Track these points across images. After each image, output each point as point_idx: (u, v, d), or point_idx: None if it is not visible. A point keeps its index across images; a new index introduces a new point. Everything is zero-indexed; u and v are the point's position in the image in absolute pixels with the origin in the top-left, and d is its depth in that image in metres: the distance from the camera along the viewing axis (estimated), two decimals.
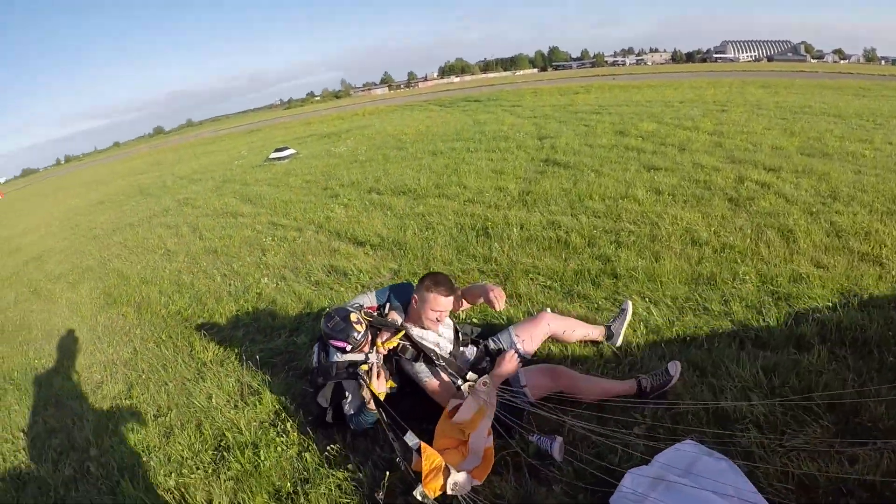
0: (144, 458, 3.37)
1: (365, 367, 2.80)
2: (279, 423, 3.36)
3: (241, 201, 10.87)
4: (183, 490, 2.96)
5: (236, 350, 4.48)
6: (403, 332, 2.88)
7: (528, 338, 3.10)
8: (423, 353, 2.81)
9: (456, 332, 3.10)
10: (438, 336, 2.98)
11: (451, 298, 2.86)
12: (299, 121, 35.78)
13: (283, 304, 5.22)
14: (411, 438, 2.42)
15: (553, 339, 3.30)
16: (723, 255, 4.40)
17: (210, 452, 3.28)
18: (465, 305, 3.23)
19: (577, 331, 3.20)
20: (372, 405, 2.73)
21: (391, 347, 2.87)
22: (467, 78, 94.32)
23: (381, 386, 2.79)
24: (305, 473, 2.87)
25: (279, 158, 15.36)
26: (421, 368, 2.84)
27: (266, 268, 6.38)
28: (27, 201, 30.63)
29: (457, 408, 2.55)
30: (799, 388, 2.64)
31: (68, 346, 5.60)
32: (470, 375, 2.77)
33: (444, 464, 2.30)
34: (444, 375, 2.79)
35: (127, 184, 21.68)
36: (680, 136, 9.54)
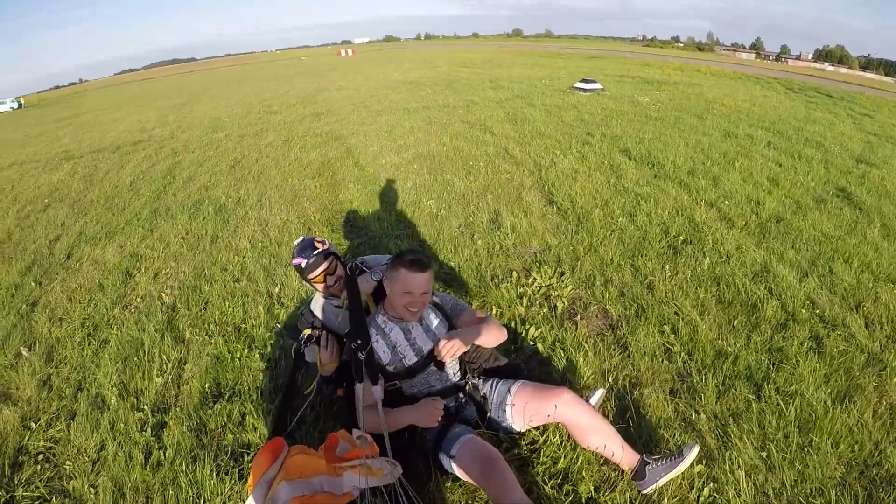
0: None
1: (308, 330, 2.75)
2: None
3: (507, 120, 11.36)
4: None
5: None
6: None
7: (522, 406, 2.53)
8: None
9: (431, 357, 2.61)
10: (405, 338, 2.62)
11: (424, 276, 2.49)
12: (639, 60, 35.04)
13: (419, 232, 5.47)
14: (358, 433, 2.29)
15: (563, 427, 2.62)
16: None
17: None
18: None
19: (599, 438, 2.46)
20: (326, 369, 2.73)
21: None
22: (842, 70, 78.27)
23: (330, 358, 2.71)
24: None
25: (582, 90, 15.38)
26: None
27: (450, 193, 6.63)
28: (365, 64, 38.15)
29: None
30: None
31: (251, 197, 7.20)
32: (358, 388, 2.45)
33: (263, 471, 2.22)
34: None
35: (446, 72, 24.75)
36: None
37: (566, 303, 4.00)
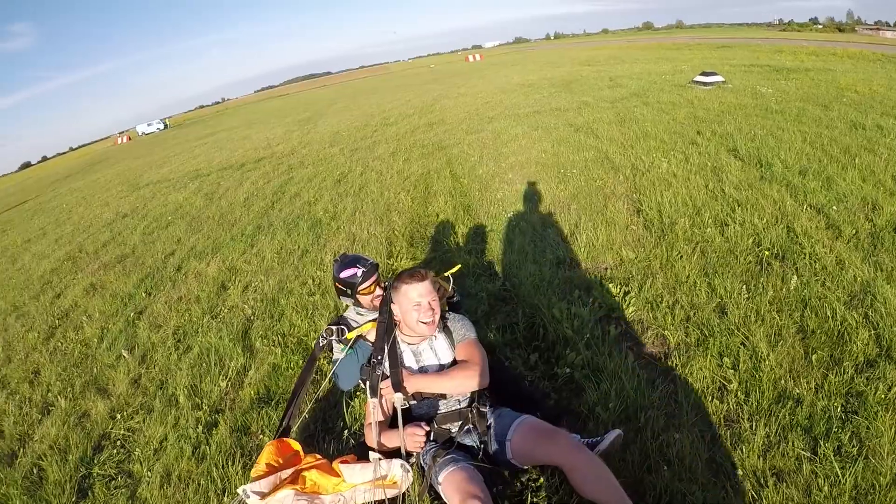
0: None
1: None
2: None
3: (616, 121, 11.20)
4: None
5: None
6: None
7: (521, 443, 2.52)
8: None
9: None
10: (415, 360, 2.83)
11: (424, 284, 2.70)
12: (770, 46, 32.02)
13: (489, 246, 5.71)
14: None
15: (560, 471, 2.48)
16: None
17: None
18: None
19: (593, 487, 2.30)
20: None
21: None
22: None
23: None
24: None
25: (702, 83, 14.66)
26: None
27: (535, 203, 6.77)
28: (489, 68, 38.86)
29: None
30: None
31: (346, 211, 7.91)
32: (372, 403, 2.66)
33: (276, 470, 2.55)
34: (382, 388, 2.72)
35: (567, 72, 24.75)
36: None
37: (622, 326, 3.84)
